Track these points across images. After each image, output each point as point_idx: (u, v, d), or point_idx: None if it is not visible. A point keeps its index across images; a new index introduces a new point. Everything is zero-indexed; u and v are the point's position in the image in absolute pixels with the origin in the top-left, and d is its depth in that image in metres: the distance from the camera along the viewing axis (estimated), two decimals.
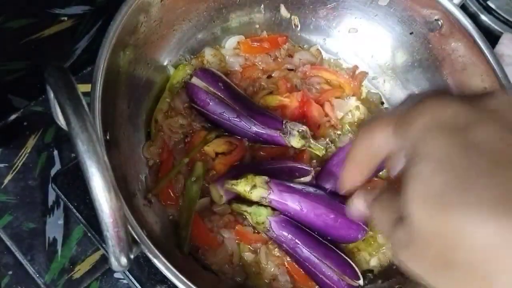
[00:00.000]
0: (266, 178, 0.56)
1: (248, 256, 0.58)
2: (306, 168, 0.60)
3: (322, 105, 0.67)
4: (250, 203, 0.58)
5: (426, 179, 0.25)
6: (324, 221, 0.56)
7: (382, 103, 0.74)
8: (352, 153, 0.34)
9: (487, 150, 0.24)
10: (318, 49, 0.74)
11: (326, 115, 0.67)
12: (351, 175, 0.35)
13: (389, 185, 0.32)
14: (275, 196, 0.55)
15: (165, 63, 0.65)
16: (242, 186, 0.55)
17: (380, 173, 0.64)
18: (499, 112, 0.26)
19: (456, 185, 0.24)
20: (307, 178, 0.59)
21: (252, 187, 0.55)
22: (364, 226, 0.57)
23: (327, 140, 0.66)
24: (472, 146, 0.25)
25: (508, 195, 0.23)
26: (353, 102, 0.70)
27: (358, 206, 0.36)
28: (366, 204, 0.35)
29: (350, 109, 0.69)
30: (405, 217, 0.26)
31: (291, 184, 0.57)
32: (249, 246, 0.59)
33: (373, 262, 0.61)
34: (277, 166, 0.60)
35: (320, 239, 0.58)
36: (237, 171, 0.58)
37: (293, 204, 0.56)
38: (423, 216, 0.25)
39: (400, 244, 0.27)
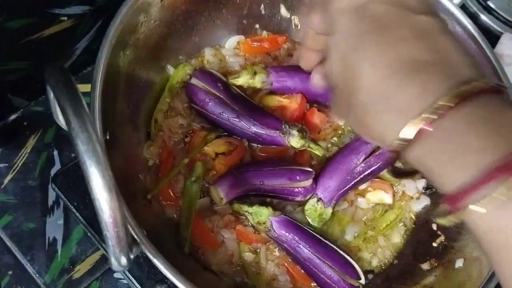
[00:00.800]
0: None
1: (248, 256, 0.58)
2: (307, 169, 0.60)
3: (325, 112, 0.67)
4: (251, 203, 0.58)
5: (336, 45, 0.35)
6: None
7: None
8: (303, 40, 0.45)
9: (377, 20, 0.33)
10: None
11: (328, 121, 0.67)
12: (308, 56, 0.46)
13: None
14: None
15: (165, 63, 0.65)
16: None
17: (380, 173, 0.64)
18: None
19: (354, 46, 0.33)
20: (308, 182, 0.60)
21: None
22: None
23: (328, 142, 0.66)
24: (368, 18, 0.33)
25: (389, 50, 0.31)
26: None
27: (316, 79, 0.46)
28: (321, 75, 0.45)
29: None
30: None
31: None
32: (249, 246, 0.59)
33: (374, 262, 0.61)
34: (278, 168, 0.60)
35: (321, 238, 0.58)
36: (242, 188, 0.58)
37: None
38: (336, 72, 0.35)
39: (333, 101, 0.38)
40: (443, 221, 0.29)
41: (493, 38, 0.78)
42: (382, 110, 0.31)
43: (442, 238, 0.59)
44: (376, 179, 0.64)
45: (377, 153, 0.61)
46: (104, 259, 0.64)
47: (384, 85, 0.31)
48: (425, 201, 0.64)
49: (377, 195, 0.64)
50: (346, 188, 0.61)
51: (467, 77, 0.29)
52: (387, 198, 0.63)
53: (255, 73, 0.63)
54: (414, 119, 0.29)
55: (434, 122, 0.29)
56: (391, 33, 0.32)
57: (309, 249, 0.56)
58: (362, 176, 0.61)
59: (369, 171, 0.61)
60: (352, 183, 0.61)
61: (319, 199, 0.60)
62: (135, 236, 0.42)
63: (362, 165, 0.61)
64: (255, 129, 0.61)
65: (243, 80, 0.63)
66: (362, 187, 0.64)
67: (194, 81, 0.62)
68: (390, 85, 0.31)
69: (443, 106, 0.28)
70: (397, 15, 0.33)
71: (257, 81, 0.64)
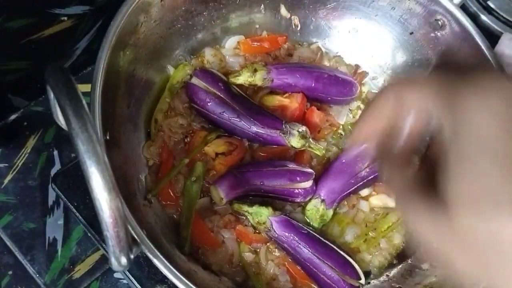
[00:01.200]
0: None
1: (248, 256, 0.58)
2: (307, 171, 0.60)
3: (324, 111, 0.67)
4: (251, 203, 0.58)
5: (470, 180, 0.25)
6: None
7: None
8: (373, 107, 0.32)
9: None
10: (318, 46, 0.74)
11: (328, 120, 0.68)
12: (366, 128, 0.33)
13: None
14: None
15: (165, 63, 0.65)
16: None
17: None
18: None
19: (495, 190, 0.24)
20: (308, 184, 0.60)
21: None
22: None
23: (327, 141, 0.66)
24: None
25: None
26: (354, 102, 0.70)
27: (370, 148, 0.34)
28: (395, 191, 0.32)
29: (351, 110, 0.70)
30: (444, 208, 0.26)
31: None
32: (249, 246, 0.59)
33: (374, 263, 0.61)
34: (278, 169, 0.60)
35: (321, 239, 0.58)
36: (242, 189, 0.58)
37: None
38: (466, 215, 0.25)
39: (438, 230, 0.28)
40: None
41: (493, 38, 0.78)
42: None
43: None
44: (379, 183, 0.64)
45: None
46: (104, 259, 0.64)
47: None
48: None
49: (380, 199, 0.64)
50: (349, 191, 0.61)
51: None
52: (391, 202, 0.63)
53: (255, 71, 0.63)
54: None
55: None
56: None
57: (309, 249, 0.56)
58: (365, 180, 0.62)
59: (372, 176, 0.62)
60: (355, 186, 0.62)
61: (323, 200, 0.60)
62: (135, 236, 0.42)
63: (367, 170, 0.61)
64: (255, 129, 0.61)
65: (243, 78, 0.63)
66: (365, 192, 0.64)
67: (195, 80, 0.62)
68: None
69: None
70: None
71: (258, 79, 0.64)
